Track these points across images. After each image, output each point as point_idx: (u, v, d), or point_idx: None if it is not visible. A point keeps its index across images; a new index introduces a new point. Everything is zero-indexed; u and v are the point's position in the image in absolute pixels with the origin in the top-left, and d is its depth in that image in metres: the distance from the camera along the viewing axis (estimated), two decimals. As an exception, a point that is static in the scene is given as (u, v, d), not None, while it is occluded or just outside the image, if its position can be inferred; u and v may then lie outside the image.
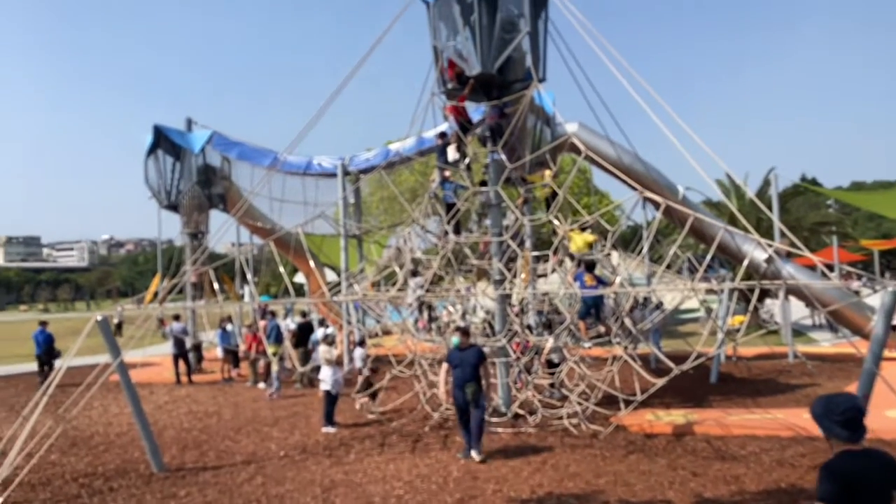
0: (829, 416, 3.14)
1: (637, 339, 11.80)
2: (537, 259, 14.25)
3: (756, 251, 13.17)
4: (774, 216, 15.02)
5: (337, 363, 11.64)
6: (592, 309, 11.07)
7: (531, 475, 8.19)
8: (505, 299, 11.77)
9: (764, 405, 11.64)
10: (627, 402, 9.94)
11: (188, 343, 18.43)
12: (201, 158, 21.25)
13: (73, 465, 9.49)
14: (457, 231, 12.05)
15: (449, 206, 12.03)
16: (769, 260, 13.15)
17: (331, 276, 25.11)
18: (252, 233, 23.06)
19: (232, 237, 24.91)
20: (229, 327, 18.53)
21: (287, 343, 15.86)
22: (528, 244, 14.28)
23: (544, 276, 14.10)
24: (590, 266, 10.86)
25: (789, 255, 13.24)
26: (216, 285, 17.26)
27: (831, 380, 14.27)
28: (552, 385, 12.17)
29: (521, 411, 11.20)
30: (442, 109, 12.19)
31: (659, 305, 17.64)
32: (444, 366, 9.41)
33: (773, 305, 25.64)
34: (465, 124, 12.05)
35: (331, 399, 11.22)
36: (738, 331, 15.71)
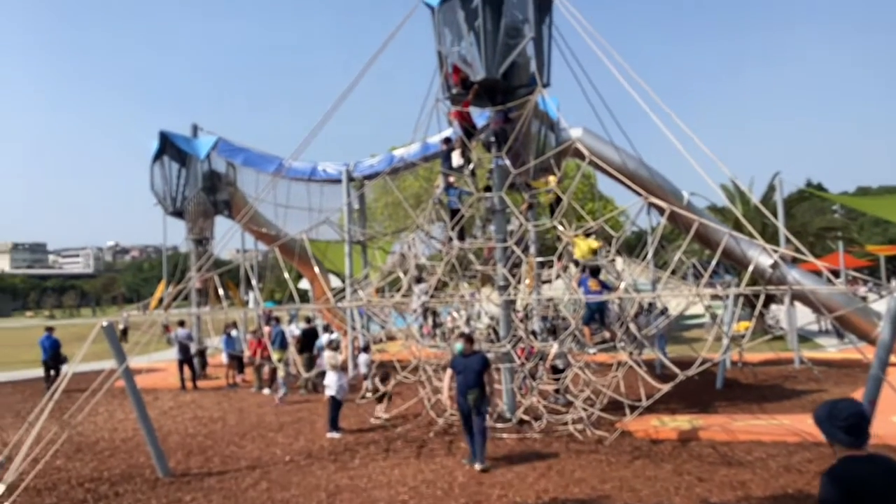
0: (833, 421, 3.13)
1: (642, 345, 11.78)
2: (542, 265, 14.26)
3: (761, 257, 13.15)
4: (780, 222, 14.98)
5: (342, 369, 11.65)
6: (597, 314, 11.05)
7: (536, 481, 8.17)
8: (509, 305, 11.77)
9: (770, 411, 11.59)
10: (633, 408, 9.91)
11: (193, 349, 18.46)
12: (206, 164, 21.32)
13: (78, 470, 9.51)
14: (461, 237, 12.07)
15: (453, 212, 12.05)
16: (774, 265, 13.13)
17: (335, 281, 25.15)
18: (257, 239, 23.13)
19: (237, 243, 25.10)
20: (234, 333, 18.55)
21: (292, 349, 15.88)
22: (532, 250, 14.29)
23: (549, 281, 14.10)
24: (594, 271, 10.85)
25: (795, 261, 13.21)
26: (221, 291, 17.28)
27: (838, 385, 14.20)
28: (557, 391, 12.14)
29: (525, 417, 11.17)
30: (446, 115, 12.22)
31: (664, 311, 17.60)
32: (448, 372, 9.40)
33: (778, 311, 25.55)
34: (469, 129, 12.08)
35: (336, 404, 11.22)
36: (743, 336, 15.68)
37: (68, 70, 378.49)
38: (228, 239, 23.06)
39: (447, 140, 12.57)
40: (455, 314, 14.47)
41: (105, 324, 9.01)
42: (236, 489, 8.35)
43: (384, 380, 12.28)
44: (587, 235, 11.54)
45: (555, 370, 12.00)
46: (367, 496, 7.82)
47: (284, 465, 9.37)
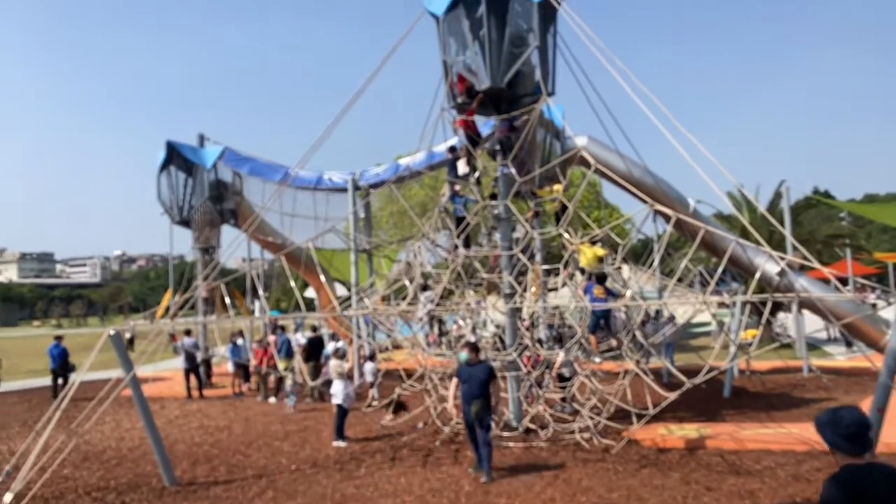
0: (834, 428, 3.12)
1: (649, 353, 11.74)
2: (548, 273, 14.24)
3: (768, 264, 13.09)
4: (786, 229, 14.94)
5: (348, 377, 11.64)
6: (602, 321, 11.03)
7: (543, 489, 8.13)
8: (515, 313, 11.75)
9: (778, 419, 11.52)
10: (640, 416, 9.87)
11: (199, 358, 18.49)
12: (213, 174, 21.42)
13: (85, 479, 9.52)
14: (467, 245, 12.08)
15: (459, 220, 12.06)
16: (782, 273, 13.07)
17: (341, 290, 25.16)
18: (263, 248, 23.19)
19: (243, 252, 25.09)
20: (240, 342, 18.59)
21: (298, 357, 15.89)
22: (538, 258, 14.28)
23: (555, 289, 14.08)
24: (600, 278, 10.84)
25: (802, 269, 13.15)
26: (227, 300, 17.32)
27: (847, 394, 14.10)
28: (563, 399, 12.10)
29: (532, 426, 11.13)
30: (452, 124, 12.26)
31: (671, 319, 17.55)
32: (455, 380, 9.38)
33: (786, 319, 25.43)
34: (474, 138, 12.12)
35: (342, 413, 11.21)
36: (750, 344, 15.60)
37: (74, 78, 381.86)
38: (235, 248, 23.03)
39: (453, 149, 12.60)
40: (461, 322, 14.47)
41: (112, 332, 9.04)
42: (242, 498, 8.34)
43: (398, 408, 12.17)
44: (593, 243, 11.54)
45: (561, 378, 11.97)
46: (374, 505, 7.79)
47: (290, 474, 9.36)
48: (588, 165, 11.05)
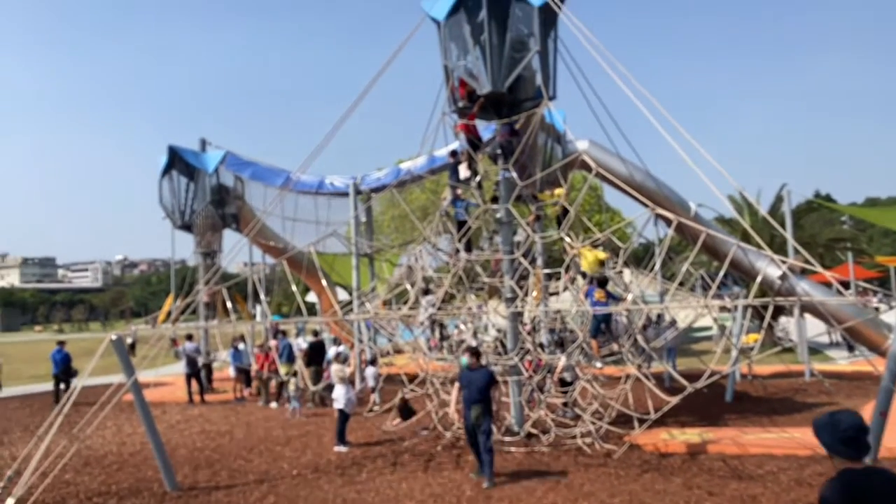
0: (832, 433, 3.11)
1: (650, 358, 11.73)
2: (549, 277, 14.23)
3: (770, 268, 13.09)
4: (788, 233, 14.93)
5: (349, 381, 11.64)
6: (603, 324, 11.02)
7: (545, 494, 8.12)
8: (517, 317, 11.74)
9: (781, 424, 11.49)
10: (641, 421, 9.85)
11: (200, 362, 18.49)
12: (215, 178, 21.47)
13: (86, 484, 9.51)
14: (468, 249, 12.08)
15: (460, 224, 12.07)
16: (783, 277, 13.07)
17: (343, 294, 25.17)
18: (265, 252, 23.21)
19: (244, 257, 25.04)
20: (241, 346, 18.59)
21: (300, 362, 15.88)
22: (539, 262, 14.28)
23: (556, 294, 14.07)
24: (601, 282, 10.83)
25: (804, 272, 13.14)
26: (229, 305, 17.33)
27: (849, 398, 14.07)
28: (565, 404, 12.08)
29: (534, 430, 11.11)
30: (453, 128, 12.28)
31: (672, 323, 17.52)
32: (456, 385, 9.37)
33: (787, 323, 25.39)
34: (475, 142, 12.13)
35: (343, 418, 11.20)
36: (752, 349, 15.57)
37: (74, 81, 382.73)
38: (236, 252, 23.04)
39: (454, 153, 12.62)
40: (462, 327, 14.46)
41: (114, 337, 9.05)
42: (244, 503, 8.33)
43: (406, 412, 12.14)
44: (594, 247, 11.53)
45: (563, 383, 11.95)
46: (375, 510, 7.78)
47: (292, 479, 9.35)
48: (589, 169, 11.06)
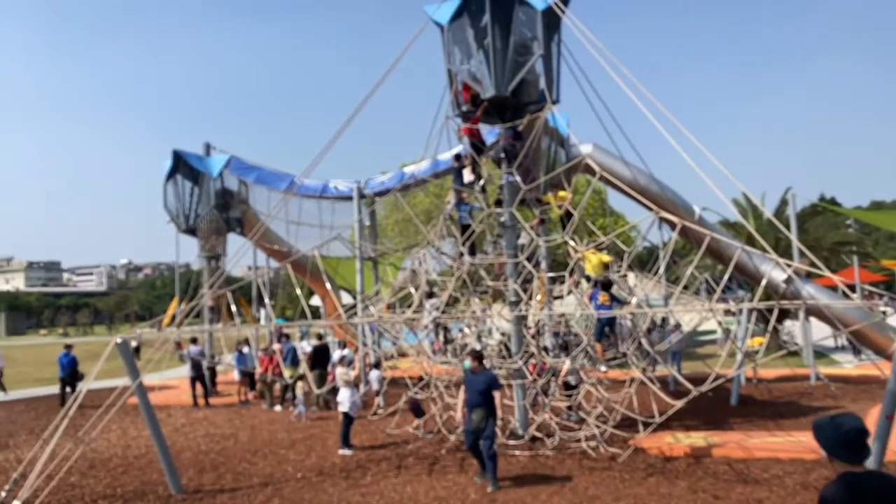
0: (832, 436, 3.10)
1: (655, 361, 11.70)
2: (553, 280, 14.22)
3: (774, 271, 13.06)
4: (793, 236, 14.90)
5: (354, 385, 11.64)
6: (607, 328, 11.00)
7: (549, 498, 8.10)
8: (521, 321, 11.73)
9: (786, 428, 11.45)
10: (646, 425, 9.82)
11: (205, 366, 18.52)
12: (219, 182, 21.53)
13: (92, 487, 9.53)
14: (472, 253, 12.09)
15: (464, 228, 12.08)
16: (788, 280, 13.03)
17: (346, 298, 25.20)
18: (269, 256, 23.26)
19: (249, 260, 25.15)
20: (246, 350, 18.61)
21: (304, 365, 15.90)
22: (543, 265, 14.27)
23: (560, 297, 14.06)
24: (605, 285, 10.82)
25: (809, 276, 13.11)
26: (233, 308, 17.37)
27: (855, 402, 14.01)
28: (569, 407, 12.06)
29: (538, 434, 11.09)
30: (456, 132, 12.30)
31: (677, 327, 17.49)
32: (462, 389, 9.36)
33: (793, 326, 25.31)
34: (479, 146, 12.15)
35: (348, 421, 11.20)
36: (757, 352, 15.53)
37: (78, 84, 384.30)
38: (241, 256, 23.17)
39: (458, 157, 12.64)
40: (466, 330, 14.46)
41: (119, 341, 9.08)
42: (248, 506, 8.34)
43: (417, 411, 12.16)
44: (598, 250, 11.52)
45: (567, 386, 11.93)
46: (379, 513, 7.77)
47: (296, 482, 9.35)
48: (593, 173, 11.07)
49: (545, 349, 13.39)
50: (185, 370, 19.05)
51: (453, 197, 12.42)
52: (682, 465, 9.48)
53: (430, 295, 12.82)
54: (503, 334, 13.78)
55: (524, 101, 11.81)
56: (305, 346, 18.56)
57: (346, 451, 11.01)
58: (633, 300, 11.98)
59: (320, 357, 16.12)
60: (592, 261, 11.28)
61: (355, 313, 15.47)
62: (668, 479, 8.73)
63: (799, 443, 9.84)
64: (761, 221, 23.74)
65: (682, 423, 11.76)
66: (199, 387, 17.69)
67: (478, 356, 9.35)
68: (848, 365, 21.08)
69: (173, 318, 21.81)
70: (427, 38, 12.17)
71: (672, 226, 9.56)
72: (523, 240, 12.11)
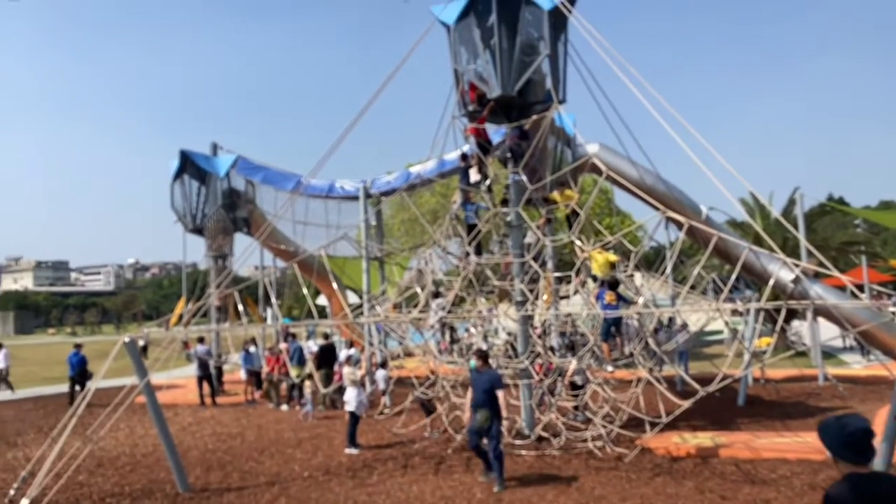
0: (837, 436, 3.09)
1: (662, 361, 11.68)
2: (560, 280, 14.20)
3: (782, 271, 12.99)
4: (801, 235, 14.82)
5: (360, 384, 11.66)
6: (613, 328, 10.98)
7: (556, 498, 8.10)
8: (527, 321, 11.72)
9: (794, 428, 11.40)
10: (653, 425, 9.80)
11: (211, 365, 18.58)
12: (226, 182, 21.62)
13: (100, 485, 9.58)
14: (478, 252, 12.08)
15: (470, 228, 12.08)
16: (796, 280, 12.96)
17: (353, 298, 25.22)
18: (275, 256, 23.32)
19: (256, 260, 25.22)
20: (252, 349, 18.66)
21: (311, 365, 15.92)
22: (550, 265, 14.26)
23: (567, 297, 14.03)
24: (612, 284, 10.79)
25: (817, 276, 13.03)
26: (240, 308, 17.43)
27: (864, 402, 13.94)
28: (576, 407, 12.04)
29: (544, 434, 11.08)
30: (463, 131, 12.30)
31: (684, 327, 17.43)
32: (470, 388, 9.36)
33: (800, 327, 25.19)
34: (485, 145, 12.15)
35: (354, 420, 11.22)
36: (765, 353, 15.46)
37: (85, 85, 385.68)
38: (247, 256, 23.17)
39: (464, 156, 12.64)
40: (472, 330, 14.45)
41: (127, 340, 9.13)
42: (255, 505, 8.37)
43: (428, 407, 12.19)
44: (605, 250, 11.49)
45: (573, 386, 11.92)
46: (386, 513, 7.78)
47: (303, 481, 9.37)
48: (600, 172, 11.05)
49: (551, 349, 13.37)
50: (192, 369, 19.12)
51: (459, 196, 12.43)
52: (689, 465, 9.46)
53: (437, 295, 12.82)
54: (510, 334, 13.76)
55: (530, 101, 11.80)
56: (312, 346, 18.59)
57: (353, 451, 11.03)
58: (640, 300, 11.94)
59: (327, 356, 16.14)
60: (599, 260, 11.25)
61: (361, 313, 15.48)
62: (675, 480, 8.71)
63: (807, 443, 9.80)
64: (769, 221, 23.63)
65: (689, 423, 11.73)
66: (206, 386, 17.76)
67: (483, 355, 9.35)
68: (856, 365, 20.97)
69: (180, 317, 21.86)
70: (433, 38, 12.18)
71: (679, 225, 9.52)
72: (529, 239, 12.11)
